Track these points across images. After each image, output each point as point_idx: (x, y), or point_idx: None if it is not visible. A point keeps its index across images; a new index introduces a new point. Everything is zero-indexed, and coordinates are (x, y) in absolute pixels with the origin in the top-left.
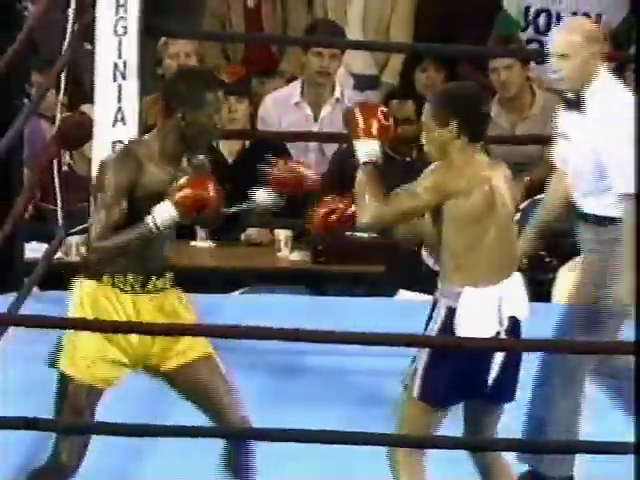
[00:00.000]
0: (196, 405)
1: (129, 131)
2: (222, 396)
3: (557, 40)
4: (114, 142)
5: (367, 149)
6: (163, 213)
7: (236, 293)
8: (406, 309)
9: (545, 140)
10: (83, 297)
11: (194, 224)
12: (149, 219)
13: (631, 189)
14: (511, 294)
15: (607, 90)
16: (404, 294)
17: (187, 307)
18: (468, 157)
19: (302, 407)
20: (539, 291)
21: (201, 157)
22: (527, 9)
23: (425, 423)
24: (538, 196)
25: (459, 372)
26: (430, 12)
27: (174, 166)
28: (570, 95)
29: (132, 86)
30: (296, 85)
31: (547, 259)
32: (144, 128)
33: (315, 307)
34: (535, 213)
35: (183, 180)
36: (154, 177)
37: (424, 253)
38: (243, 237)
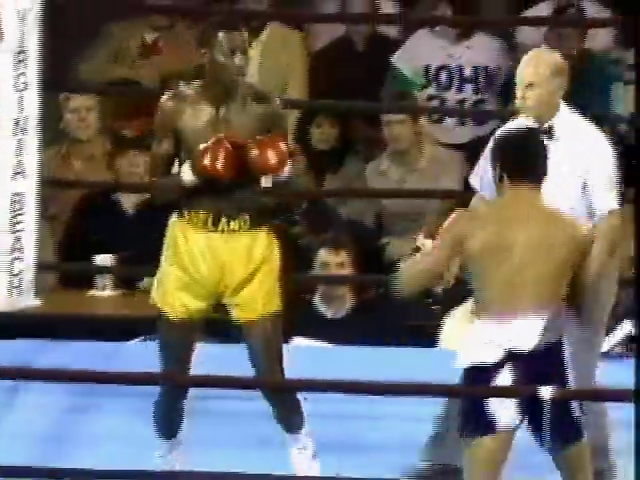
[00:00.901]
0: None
1: (29, 184)
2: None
3: (525, 70)
4: (13, 194)
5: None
6: (185, 171)
7: (133, 341)
8: (303, 354)
9: (432, 194)
10: (168, 231)
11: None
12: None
13: (616, 205)
14: (518, 332)
15: (574, 119)
16: (298, 341)
17: (268, 248)
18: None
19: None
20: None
21: (276, 101)
22: (427, 68)
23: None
24: None
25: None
26: (324, 71)
27: (216, 107)
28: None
29: (33, 140)
30: None
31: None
32: (44, 180)
33: (212, 354)
34: None
35: (203, 145)
36: (194, 118)
37: (318, 300)
38: (141, 285)
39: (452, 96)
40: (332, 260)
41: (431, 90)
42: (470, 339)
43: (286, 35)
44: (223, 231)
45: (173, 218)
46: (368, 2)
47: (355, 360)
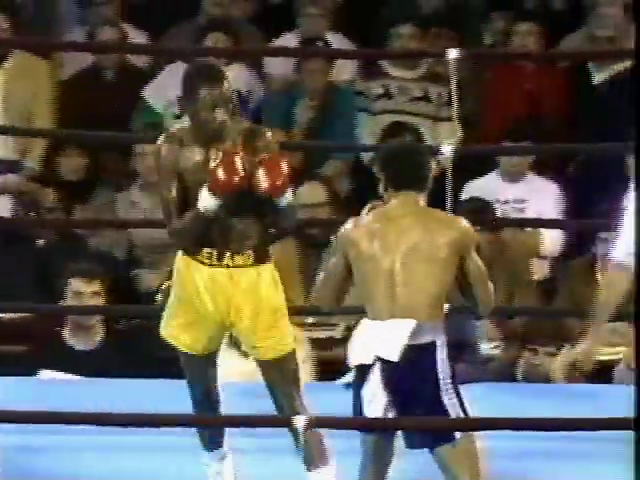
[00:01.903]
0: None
1: None
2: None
3: None
4: None
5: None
6: (204, 198)
7: None
8: (51, 388)
9: None
10: (174, 267)
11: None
12: (198, 203)
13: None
14: (384, 335)
15: None
16: (46, 374)
17: (271, 285)
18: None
19: None
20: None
21: (268, 135)
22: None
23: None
24: None
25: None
26: (73, 100)
27: (208, 149)
28: None
29: None
30: None
31: None
32: None
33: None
34: None
35: (213, 164)
36: (190, 160)
37: (67, 332)
38: None
39: None
40: (85, 289)
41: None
42: (356, 340)
43: (31, 63)
44: (228, 266)
45: (179, 254)
46: (117, 31)
47: (104, 392)
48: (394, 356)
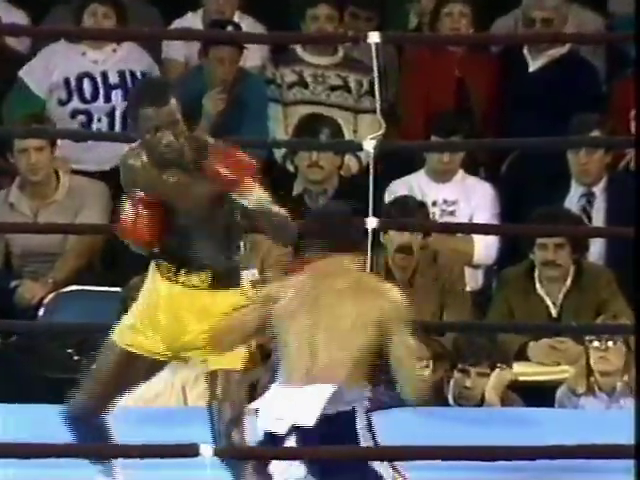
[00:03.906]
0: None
1: None
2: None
3: None
4: None
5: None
6: None
7: None
8: None
9: (70, 228)
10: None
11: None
12: None
13: None
14: (300, 401)
15: None
16: None
17: (226, 307)
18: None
19: None
20: None
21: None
22: (67, 80)
23: None
24: None
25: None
26: None
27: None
28: None
29: None
30: None
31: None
32: None
33: None
34: None
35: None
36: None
37: None
38: None
39: (100, 107)
40: None
41: (74, 104)
42: (265, 406)
43: None
44: (184, 284)
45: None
46: None
47: None
48: (310, 422)
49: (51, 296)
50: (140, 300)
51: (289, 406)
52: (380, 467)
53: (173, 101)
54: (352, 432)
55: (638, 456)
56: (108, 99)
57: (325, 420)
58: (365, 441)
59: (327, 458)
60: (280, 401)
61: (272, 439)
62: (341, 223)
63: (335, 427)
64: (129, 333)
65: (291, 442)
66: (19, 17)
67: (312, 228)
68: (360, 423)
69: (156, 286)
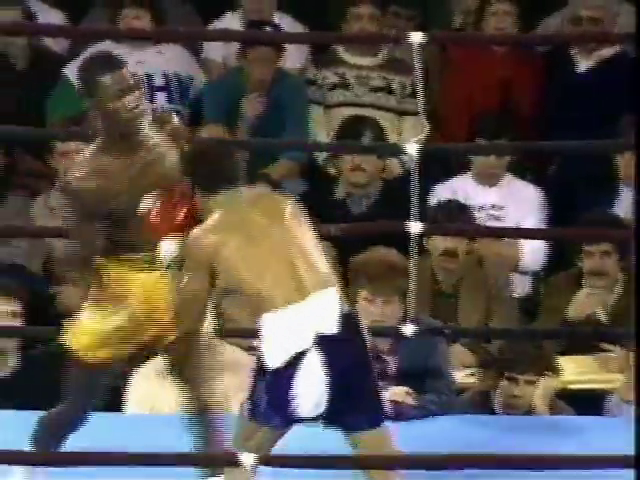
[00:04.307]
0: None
1: None
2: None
3: None
4: None
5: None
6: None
7: None
8: None
9: None
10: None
11: None
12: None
13: None
14: (315, 309)
15: None
16: None
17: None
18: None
19: None
20: None
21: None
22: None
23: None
24: None
25: (273, 394)
26: None
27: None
28: None
29: None
30: None
31: None
32: None
33: None
34: None
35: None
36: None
37: None
38: None
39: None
40: (3, 309)
41: None
42: (274, 337)
43: None
44: (158, 270)
45: (99, 259)
46: (24, 12)
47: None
48: (334, 324)
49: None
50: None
51: (305, 319)
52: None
53: (127, 69)
54: (362, 330)
55: (638, 466)
56: (152, 101)
57: (342, 321)
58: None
59: (347, 364)
60: (289, 320)
61: (289, 363)
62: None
63: (351, 327)
64: (90, 341)
65: (313, 355)
66: (57, 18)
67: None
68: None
69: (127, 281)
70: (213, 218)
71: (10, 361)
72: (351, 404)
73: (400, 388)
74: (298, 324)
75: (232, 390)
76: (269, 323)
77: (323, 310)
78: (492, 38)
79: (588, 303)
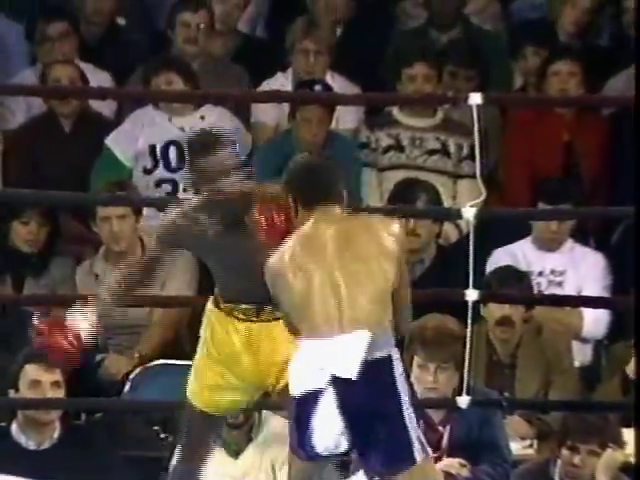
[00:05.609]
0: None
1: None
2: None
3: None
4: None
5: None
6: None
7: None
8: None
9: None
10: (205, 321)
11: None
12: None
13: None
14: (338, 351)
15: None
16: None
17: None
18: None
19: None
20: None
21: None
22: (153, 148)
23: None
24: None
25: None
26: (21, 154)
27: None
28: None
29: None
30: None
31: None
32: None
33: None
34: None
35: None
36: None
37: (16, 429)
38: None
39: None
40: (45, 378)
41: (160, 172)
42: (299, 365)
43: None
44: (262, 320)
45: (209, 307)
46: (74, 72)
47: None
48: (352, 373)
49: (137, 371)
50: (205, 356)
51: (326, 358)
52: (409, 420)
53: (224, 151)
54: (392, 378)
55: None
56: None
57: (364, 367)
58: (402, 387)
59: (365, 410)
60: (315, 354)
61: (310, 396)
62: (326, 176)
63: (374, 374)
64: (207, 394)
65: (330, 394)
66: (105, 79)
67: (299, 183)
68: (398, 369)
69: (228, 332)
70: (289, 243)
71: (53, 432)
72: (368, 448)
73: (454, 460)
74: (320, 361)
75: (279, 463)
76: (303, 349)
77: (345, 353)
78: (554, 100)
79: None
